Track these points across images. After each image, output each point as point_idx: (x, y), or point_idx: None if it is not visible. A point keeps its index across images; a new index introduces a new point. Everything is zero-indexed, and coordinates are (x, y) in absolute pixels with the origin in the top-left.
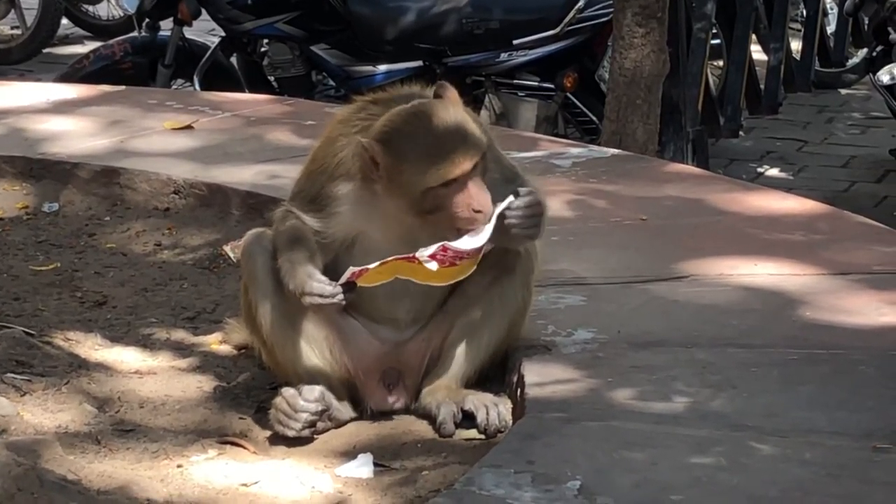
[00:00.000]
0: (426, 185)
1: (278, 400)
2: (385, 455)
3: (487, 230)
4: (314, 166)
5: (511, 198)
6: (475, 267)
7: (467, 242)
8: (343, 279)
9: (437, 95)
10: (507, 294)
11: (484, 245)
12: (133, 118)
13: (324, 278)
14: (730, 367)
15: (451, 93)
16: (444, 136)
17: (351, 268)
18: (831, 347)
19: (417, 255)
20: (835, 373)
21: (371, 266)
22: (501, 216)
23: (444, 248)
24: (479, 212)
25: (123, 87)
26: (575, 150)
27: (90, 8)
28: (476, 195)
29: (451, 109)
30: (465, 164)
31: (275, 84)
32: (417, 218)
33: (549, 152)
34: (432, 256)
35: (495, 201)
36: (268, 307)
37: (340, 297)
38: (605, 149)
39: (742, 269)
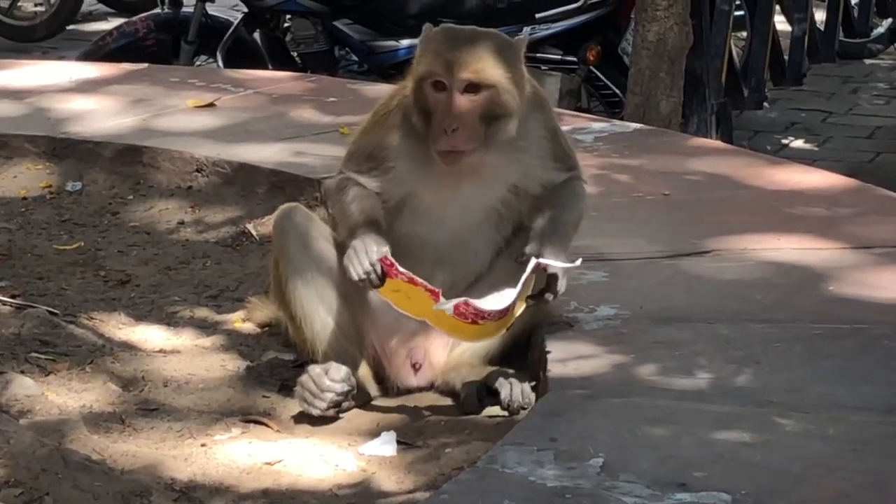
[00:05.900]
0: (416, 73)
1: (304, 378)
2: (408, 433)
3: (510, 295)
4: (370, 123)
5: (535, 262)
6: (504, 330)
7: (489, 303)
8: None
9: None
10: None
11: (509, 310)
12: (156, 96)
13: (376, 259)
14: (753, 343)
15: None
16: (455, 39)
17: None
18: (855, 322)
19: (440, 300)
20: (858, 347)
21: (402, 269)
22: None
23: (466, 304)
24: (449, 130)
25: (146, 65)
26: (597, 125)
27: None
28: (454, 112)
29: (496, 37)
30: (453, 70)
31: (298, 60)
32: (419, 121)
33: (572, 127)
34: (454, 308)
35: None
36: (298, 283)
37: (374, 276)
38: (627, 123)
39: (765, 244)
